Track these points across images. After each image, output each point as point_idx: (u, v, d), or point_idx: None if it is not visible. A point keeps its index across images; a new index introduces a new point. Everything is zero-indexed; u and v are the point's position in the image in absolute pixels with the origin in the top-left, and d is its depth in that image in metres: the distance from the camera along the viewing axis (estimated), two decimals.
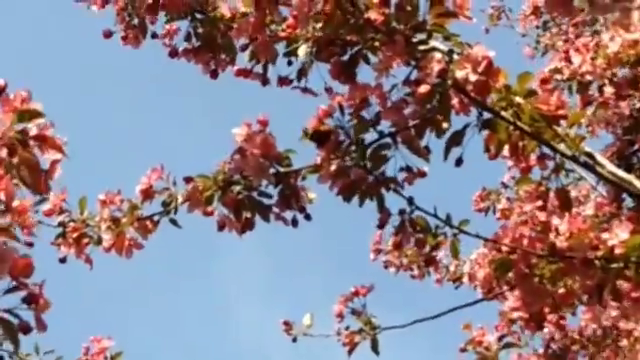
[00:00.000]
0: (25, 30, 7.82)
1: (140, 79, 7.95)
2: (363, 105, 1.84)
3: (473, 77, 1.74)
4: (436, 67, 1.76)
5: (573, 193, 3.03)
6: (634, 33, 2.12)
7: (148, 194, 2.16)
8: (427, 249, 2.04)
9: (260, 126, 1.97)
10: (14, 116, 1.42)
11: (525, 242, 1.79)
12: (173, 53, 2.27)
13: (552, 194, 1.91)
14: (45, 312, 1.27)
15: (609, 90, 2.20)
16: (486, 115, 1.83)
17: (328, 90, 1.98)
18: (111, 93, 7.71)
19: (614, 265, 1.76)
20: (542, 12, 3.79)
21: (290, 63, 1.99)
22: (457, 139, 1.83)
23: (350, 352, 2.47)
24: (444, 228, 2.02)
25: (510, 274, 1.83)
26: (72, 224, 2.18)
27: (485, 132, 1.84)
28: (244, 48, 2.07)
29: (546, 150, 1.86)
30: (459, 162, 1.85)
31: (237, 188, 2.04)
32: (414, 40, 1.81)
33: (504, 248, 1.81)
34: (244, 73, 2.12)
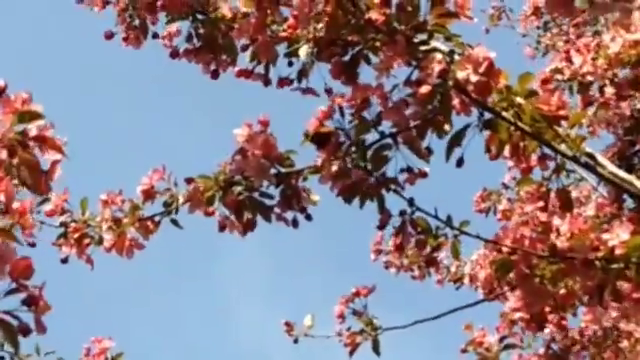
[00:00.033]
0: (26, 31, 7.83)
1: (141, 80, 7.96)
2: (364, 105, 1.84)
3: (474, 78, 1.74)
4: (437, 67, 1.76)
5: (574, 194, 3.03)
6: (635, 33, 2.11)
7: (149, 194, 2.16)
8: (428, 250, 2.04)
9: (261, 127, 1.98)
10: (14, 117, 1.42)
11: (526, 243, 1.79)
12: (174, 54, 2.27)
13: (553, 195, 1.91)
14: (45, 314, 1.27)
15: (610, 90, 2.20)
16: (487, 115, 1.83)
17: (329, 91, 1.98)
18: (113, 94, 7.71)
19: (615, 266, 1.76)
20: (543, 12, 3.79)
21: (291, 64, 1.99)
22: (458, 140, 1.83)
23: (351, 353, 2.47)
24: (445, 229, 2.02)
25: (511, 275, 1.82)
26: (73, 224, 2.19)
27: (486, 133, 1.85)
28: (245, 49, 2.07)
29: (547, 151, 1.86)
30: (460, 162, 1.85)
31: (238, 189, 2.04)
32: (415, 40, 1.81)
33: (505, 249, 1.80)
34: (245, 74, 2.12)
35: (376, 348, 2.44)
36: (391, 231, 1.99)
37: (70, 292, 5.98)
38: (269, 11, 1.92)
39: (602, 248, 1.76)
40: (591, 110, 2.35)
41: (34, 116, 1.42)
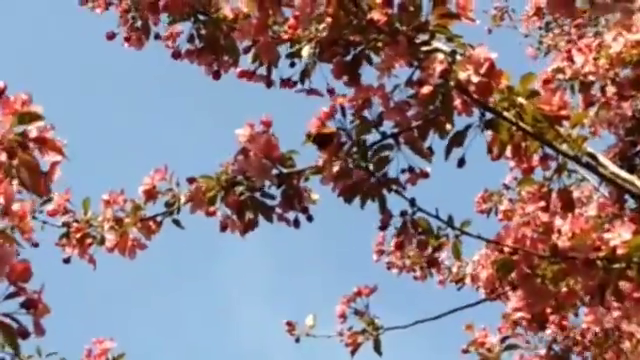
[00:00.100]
0: (29, 32, 7.83)
1: (143, 80, 7.96)
2: (365, 106, 1.84)
3: (475, 78, 1.74)
4: (439, 68, 1.76)
5: (575, 194, 3.03)
6: (636, 34, 2.11)
7: (151, 194, 2.16)
8: (429, 250, 2.04)
9: (263, 127, 1.98)
10: (14, 118, 1.42)
11: (527, 243, 1.79)
12: (176, 54, 2.27)
13: (554, 195, 1.91)
14: (44, 317, 1.27)
15: (611, 90, 2.19)
16: (488, 116, 1.83)
17: (331, 91, 1.98)
18: (115, 94, 7.72)
19: (616, 265, 1.76)
20: (544, 13, 3.79)
21: (293, 64, 1.99)
22: (459, 139, 1.83)
23: (353, 353, 2.47)
24: (446, 229, 2.02)
25: (512, 275, 1.83)
26: (76, 224, 2.19)
27: (487, 133, 1.85)
28: (247, 50, 2.07)
29: (548, 151, 1.86)
30: (461, 163, 1.85)
31: (240, 189, 2.04)
32: (417, 41, 1.81)
33: (506, 249, 1.81)
34: (247, 75, 2.12)
35: (377, 348, 2.44)
36: (393, 231, 1.99)
37: (72, 292, 5.98)
38: (271, 12, 1.92)
39: (603, 248, 1.76)
40: (592, 110, 2.35)
41: (34, 117, 1.42)
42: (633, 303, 1.80)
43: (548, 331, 2.60)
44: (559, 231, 1.82)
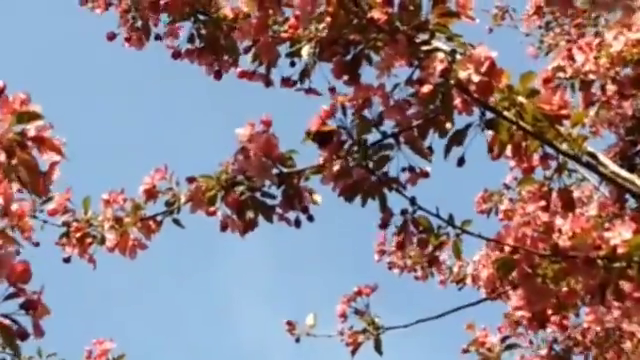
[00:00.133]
0: (29, 32, 7.83)
1: (143, 80, 7.96)
2: (365, 105, 1.84)
3: (476, 77, 1.74)
4: (439, 67, 1.76)
5: (576, 194, 3.03)
6: (638, 32, 2.11)
7: (151, 194, 2.16)
8: (430, 249, 2.04)
9: (263, 126, 1.98)
10: (13, 118, 1.41)
11: (528, 242, 1.79)
12: (176, 54, 2.27)
13: (555, 194, 1.91)
14: (43, 318, 1.26)
15: (612, 89, 2.19)
16: (489, 115, 1.83)
17: (332, 90, 1.98)
18: (115, 94, 7.72)
19: (617, 265, 1.76)
20: (544, 12, 3.79)
21: (293, 64, 1.99)
22: (458, 138, 1.83)
23: (353, 352, 2.47)
24: (447, 228, 2.02)
25: (513, 274, 1.82)
26: (76, 224, 2.19)
27: (488, 132, 1.85)
28: (247, 50, 2.07)
29: (549, 150, 1.86)
30: (461, 162, 1.85)
31: (240, 188, 2.04)
32: (417, 40, 1.81)
33: (507, 248, 1.80)
34: (247, 75, 2.12)
35: (378, 347, 2.44)
36: (394, 231, 1.99)
37: (72, 292, 5.98)
38: (271, 11, 1.92)
39: (604, 247, 1.76)
40: (593, 109, 2.34)
41: (33, 116, 1.42)
42: (633, 303, 1.80)
43: (549, 331, 2.60)
44: (560, 230, 1.82)
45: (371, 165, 1.87)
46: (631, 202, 2.56)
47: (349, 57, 1.85)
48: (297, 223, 2.05)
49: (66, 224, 2.19)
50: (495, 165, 1.91)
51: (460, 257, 2.13)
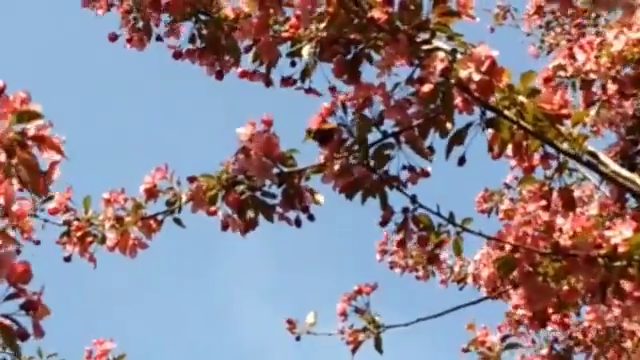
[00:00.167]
0: (32, 33, 7.84)
1: (145, 80, 7.97)
2: (366, 104, 1.84)
3: (476, 76, 1.74)
4: (439, 66, 1.76)
5: (576, 193, 3.03)
6: (638, 32, 2.11)
7: (152, 193, 2.17)
8: (430, 247, 2.04)
9: (264, 126, 1.98)
10: (13, 117, 1.41)
11: (528, 241, 1.79)
12: (177, 55, 2.27)
13: (555, 194, 1.91)
14: (43, 318, 1.26)
15: (612, 88, 2.19)
16: (489, 114, 1.83)
17: (332, 90, 1.98)
18: (117, 94, 7.73)
19: (617, 263, 1.76)
20: (545, 12, 3.80)
21: (294, 64, 1.99)
22: (459, 138, 1.83)
23: (354, 351, 2.47)
24: (447, 226, 2.02)
25: (514, 273, 1.82)
26: (76, 223, 2.19)
27: (488, 132, 1.85)
28: (248, 50, 2.07)
29: (549, 149, 1.86)
30: (462, 161, 1.85)
31: (241, 188, 2.04)
32: (417, 39, 1.81)
33: (507, 247, 1.80)
34: (248, 75, 2.12)
35: (378, 346, 2.44)
36: (394, 229, 1.99)
37: (72, 292, 5.98)
38: (272, 11, 1.92)
39: (605, 246, 1.76)
40: (593, 109, 2.34)
41: (33, 116, 1.42)
42: (634, 301, 1.80)
43: (550, 330, 2.60)
44: (560, 230, 1.82)
45: (372, 164, 1.87)
46: (632, 201, 2.56)
47: (350, 56, 1.85)
48: (297, 222, 2.05)
49: (67, 223, 2.20)
50: (496, 164, 1.91)
51: (460, 255, 2.13)
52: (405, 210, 1.96)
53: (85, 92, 7.61)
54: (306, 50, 1.90)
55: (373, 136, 1.87)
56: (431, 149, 1.86)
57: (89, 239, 2.18)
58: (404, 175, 1.88)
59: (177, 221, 2.17)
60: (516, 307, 1.81)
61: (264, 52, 2.01)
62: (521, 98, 1.81)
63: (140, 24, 2.29)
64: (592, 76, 2.19)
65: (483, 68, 1.74)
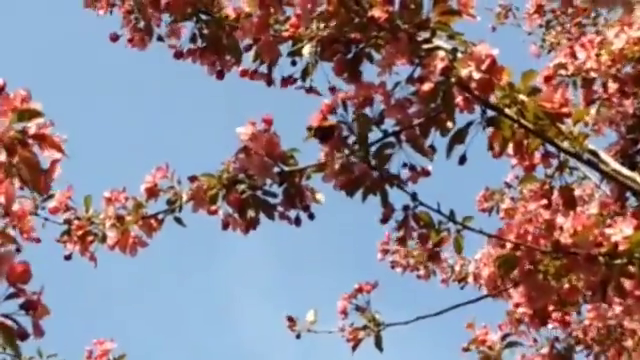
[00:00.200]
0: (34, 33, 7.84)
1: (146, 79, 7.98)
2: (366, 103, 1.84)
3: (477, 75, 1.74)
4: (440, 65, 1.76)
5: (577, 192, 3.03)
6: (639, 30, 2.11)
7: (153, 192, 2.17)
8: (430, 245, 2.04)
9: (265, 125, 1.98)
10: (14, 115, 1.42)
11: (529, 239, 1.79)
12: (178, 54, 2.27)
13: (556, 193, 1.91)
14: (43, 318, 1.26)
15: (613, 86, 2.19)
16: (490, 113, 1.83)
17: (332, 89, 1.98)
18: (118, 93, 7.74)
19: (618, 261, 1.76)
20: (545, 11, 3.80)
21: (294, 63, 2.00)
22: (460, 137, 1.83)
23: (354, 348, 2.47)
24: (447, 224, 2.02)
25: (514, 272, 1.83)
26: (77, 221, 2.19)
27: (489, 130, 1.85)
28: (248, 49, 2.07)
29: (550, 148, 1.86)
30: (463, 160, 1.85)
31: (242, 187, 2.04)
32: (418, 38, 1.81)
33: (508, 245, 1.81)
34: (248, 74, 2.13)
35: (379, 344, 2.44)
36: (394, 226, 1.99)
37: (72, 290, 5.98)
38: (272, 10, 1.92)
39: (605, 244, 1.76)
40: (594, 107, 2.35)
41: (33, 114, 1.42)
42: (635, 300, 1.80)
43: (550, 327, 2.60)
44: (561, 228, 1.82)
45: (373, 162, 1.87)
46: (632, 200, 2.56)
47: (350, 56, 1.85)
48: (298, 221, 2.06)
49: (67, 222, 2.20)
50: (496, 163, 1.91)
51: (461, 252, 2.13)
52: (406, 208, 1.96)
53: (86, 91, 7.61)
54: (307, 49, 1.90)
55: (374, 135, 1.87)
56: (432, 148, 1.86)
57: (90, 238, 2.19)
58: (405, 174, 1.88)
59: (178, 220, 2.17)
60: (517, 305, 1.81)
61: (265, 51, 2.01)
62: (522, 97, 1.81)
63: (141, 24, 2.29)
64: (593, 74, 2.19)
65: (483, 67, 1.74)
